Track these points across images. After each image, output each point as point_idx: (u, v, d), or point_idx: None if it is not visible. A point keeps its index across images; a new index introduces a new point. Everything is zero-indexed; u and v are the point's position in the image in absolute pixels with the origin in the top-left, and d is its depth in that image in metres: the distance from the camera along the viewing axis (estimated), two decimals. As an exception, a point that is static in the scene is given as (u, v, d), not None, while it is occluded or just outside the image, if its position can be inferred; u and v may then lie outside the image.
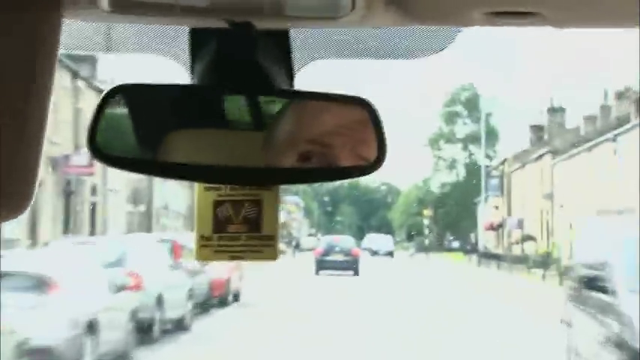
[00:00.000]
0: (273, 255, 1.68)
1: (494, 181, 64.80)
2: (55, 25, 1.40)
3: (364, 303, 27.22)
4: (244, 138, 1.62)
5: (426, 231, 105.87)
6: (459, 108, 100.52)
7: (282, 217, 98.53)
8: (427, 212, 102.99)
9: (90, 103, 31.94)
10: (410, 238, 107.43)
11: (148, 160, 1.62)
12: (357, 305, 26.36)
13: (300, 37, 1.66)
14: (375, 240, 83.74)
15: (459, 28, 1.66)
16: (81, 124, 30.76)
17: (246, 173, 1.62)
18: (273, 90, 1.62)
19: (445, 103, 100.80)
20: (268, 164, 1.61)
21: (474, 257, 63.13)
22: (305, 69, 1.70)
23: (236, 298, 26.10)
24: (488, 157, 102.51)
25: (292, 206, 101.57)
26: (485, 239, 69.32)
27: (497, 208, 66.27)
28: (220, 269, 23.67)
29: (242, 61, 1.60)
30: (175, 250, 20.67)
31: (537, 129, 65.62)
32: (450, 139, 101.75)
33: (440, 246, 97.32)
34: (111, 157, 1.61)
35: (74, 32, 1.64)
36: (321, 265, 44.31)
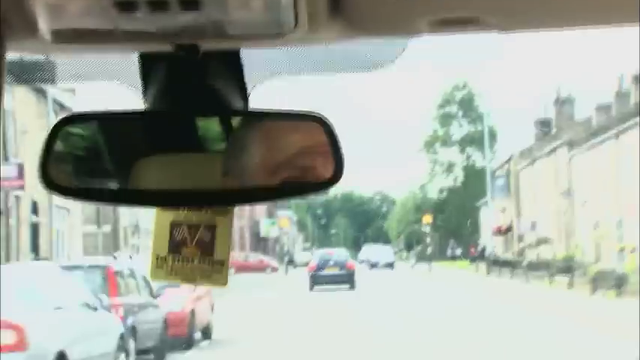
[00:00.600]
0: (222, 281, 1.66)
1: (500, 182, 59.18)
2: None
3: (368, 329, 21.70)
4: (202, 160, 1.63)
5: (427, 239, 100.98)
6: (453, 109, 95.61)
7: (275, 232, 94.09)
8: (426, 219, 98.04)
9: (19, 101, 26.48)
10: (409, 247, 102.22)
11: (104, 190, 1.62)
12: (360, 333, 20.81)
13: (251, 56, 1.65)
14: (373, 251, 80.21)
15: (408, 39, 1.66)
16: (9, 127, 25.18)
17: (207, 195, 1.61)
18: (228, 111, 1.62)
19: (439, 104, 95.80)
20: (231, 185, 1.60)
21: (483, 265, 57.57)
22: (259, 87, 1.70)
23: (206, 335, 20.51)
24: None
25: (284, 220, 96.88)
26: (493, 245, 63.81)
27: (504, 210, 60.79)
28: (181, 298, 18.10)
29: (192, 84, 1.59)
30: (110, 280, 15.09)
31: (543, 123, 60.36)
32: (446, 141, 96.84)
33: (442, 254, 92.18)
34: (66, 189, 1.58)
35: (24, 65, 1.65)
36: (316, 280, 42.33)
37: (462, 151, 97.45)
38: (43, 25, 1.43)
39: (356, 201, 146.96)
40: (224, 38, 1.50)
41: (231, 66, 1.61)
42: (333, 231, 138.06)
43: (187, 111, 1.59)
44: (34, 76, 1.74)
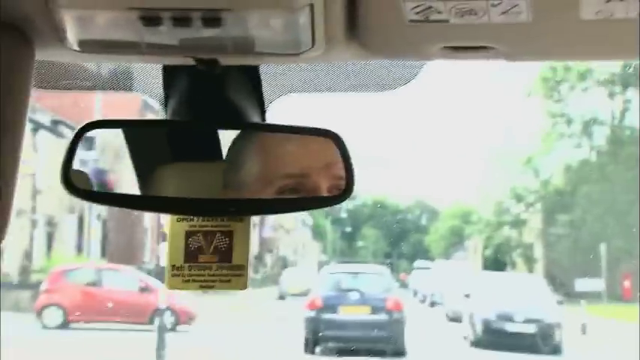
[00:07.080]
0: (241, 284, 1.72)
1: None
2: (26, 63, 1.49)
3: None
4: (215, 171, 1.72)
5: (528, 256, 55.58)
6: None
7: (270, 233, 59.34)
8: (534, 222, 52.62)
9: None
10: (497, 269, 54.89)
11: (122, 195, 1.72)
12: None
13: (270, 71, 1.74)
14: (485, 285, 24.30)
15: (423, 63, 1.74)
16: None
17: (219, 205, 1.69)
18: (244, 124, 1.71)
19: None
20: (242, 196, 1.71)
21: None
22: (277, 102, 1.77)
23: None
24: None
25: (289, 221, 56.01)
26: None
27: None
28: None
29: (211, 97, 1.69)
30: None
31: None
32: (584, 76, 51.67)
33: (565, 286, 45.58)
34: (85, 192, 1.65)
35: (48, 71, 1.74)
36: (317, 334, 18.28)
37: (612, 96, 52.46)
38: (71, 35, 1.50)
39: (390, 209, 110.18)
40: (243, 54, 1.58)
41: (250, 81, 1.69)
42: (360, 243, 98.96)
43: (206, 122, 1.68)
44: (59, 82, 1.77)
